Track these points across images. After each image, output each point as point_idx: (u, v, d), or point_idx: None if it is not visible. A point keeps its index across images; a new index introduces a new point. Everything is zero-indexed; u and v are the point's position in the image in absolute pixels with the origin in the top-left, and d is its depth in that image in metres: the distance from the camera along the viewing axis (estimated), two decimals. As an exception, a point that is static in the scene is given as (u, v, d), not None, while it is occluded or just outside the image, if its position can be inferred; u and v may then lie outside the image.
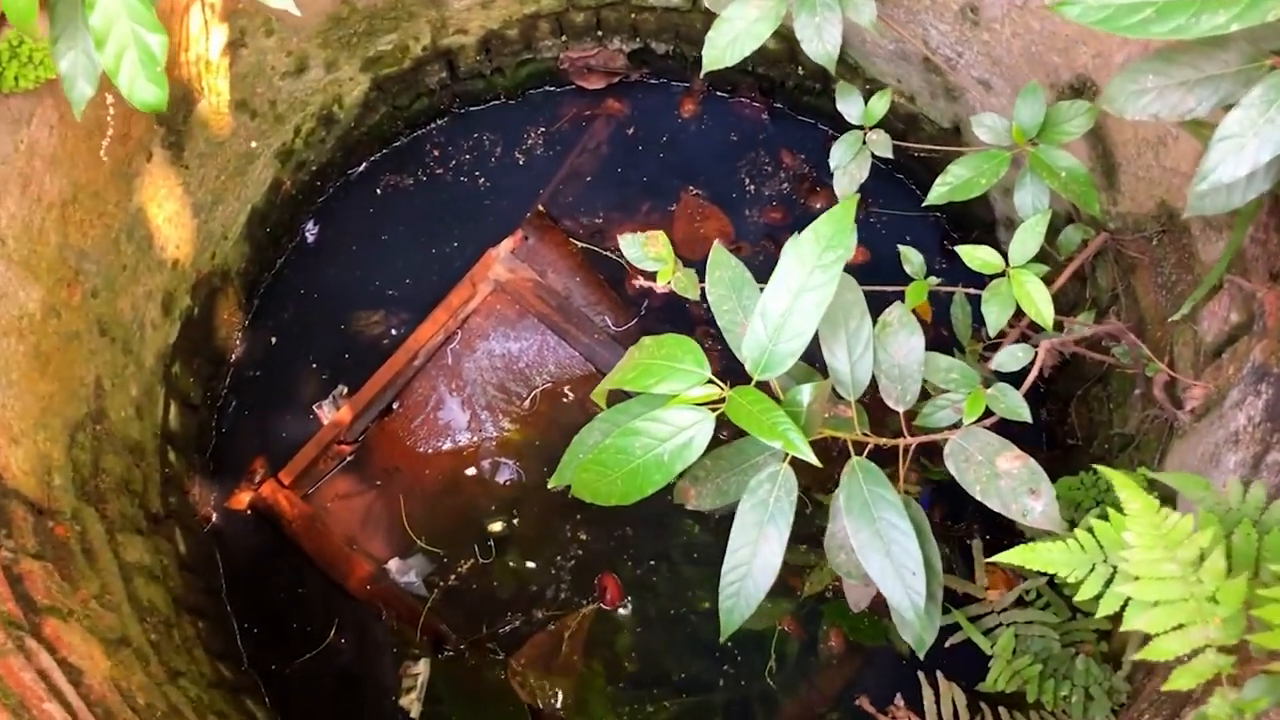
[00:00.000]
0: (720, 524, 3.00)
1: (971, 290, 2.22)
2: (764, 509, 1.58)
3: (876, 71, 2.99)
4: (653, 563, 3.02)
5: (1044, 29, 2.31)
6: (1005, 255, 2.01)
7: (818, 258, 1.48)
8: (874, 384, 1.75)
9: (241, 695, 2.73)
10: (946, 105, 2.89)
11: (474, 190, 3.37)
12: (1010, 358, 1.97)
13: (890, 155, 2.33)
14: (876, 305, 1.75)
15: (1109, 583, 1.34)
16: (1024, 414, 1.78)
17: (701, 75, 2.06)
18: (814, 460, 1.40)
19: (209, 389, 3.09)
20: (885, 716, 2.16)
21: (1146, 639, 1.19)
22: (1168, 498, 1.88)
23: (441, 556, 3.01)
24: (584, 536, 3.03)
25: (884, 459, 1.71)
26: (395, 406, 3.11)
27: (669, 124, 3.44)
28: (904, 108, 3.02)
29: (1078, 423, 2.81)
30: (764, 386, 1.54)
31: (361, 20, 2.90)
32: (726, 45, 2.09)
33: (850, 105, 2.34)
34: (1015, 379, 1.92)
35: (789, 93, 3.34)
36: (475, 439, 3.10)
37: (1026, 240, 1.98)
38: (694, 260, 2.40)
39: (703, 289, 1.72)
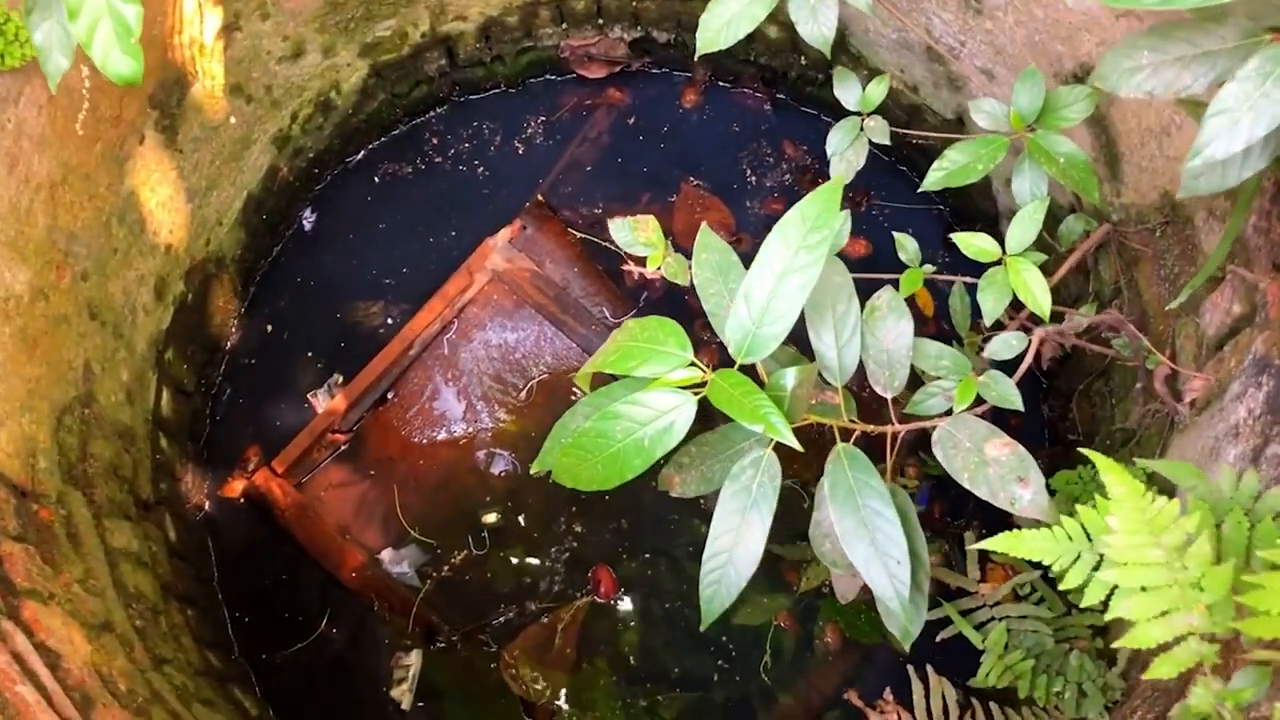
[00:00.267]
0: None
1: (970, 280, 2.18)
2: (747, 495, 1.54)
3: (879, 61, 2.95)
4: (648, 556, 2.98)
5: (1047, 17, 2.27)
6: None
7: (802, 239, 1.44)
8: (864, 374, 1.72)
9: (229, 684, 2.71)
10: (950, 95, 2.85)
11: (473, 179, 3.34)
12: (1004, 345, 1.93)
13: (887, 142, 2.29)
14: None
15: (1096, 570, 1.30)
16: (1015, 401, 1.74)
17: (695, 57, 2.02)
18: (795, 444, 1.36)
19: (203, 376, 3.07)
20: (874, 711, 2.12)
21: (1130, 627, 1.15)
22: (1169, 492, 1.84)
23: (435, 547, 2.99)
24: (579, 529, 3.00)
25: (877, 451, 1.67)
26: (390, 396, 3.08)
27: (670, 114, 3.40)
28: (907, 98, 2.98)
29: (1079, 418, 2.77)
30: (750, 371, 1.51)
31: (359, 5, 2.87)
32: (721, 27, 2.04)
33: (847, 91, 2.30)
34: (1011, 369, 1.88)
35: (792, 83, 3.31)
36: (470, 430, 3.07)
37: (1024, 227, 1.94)
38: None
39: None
